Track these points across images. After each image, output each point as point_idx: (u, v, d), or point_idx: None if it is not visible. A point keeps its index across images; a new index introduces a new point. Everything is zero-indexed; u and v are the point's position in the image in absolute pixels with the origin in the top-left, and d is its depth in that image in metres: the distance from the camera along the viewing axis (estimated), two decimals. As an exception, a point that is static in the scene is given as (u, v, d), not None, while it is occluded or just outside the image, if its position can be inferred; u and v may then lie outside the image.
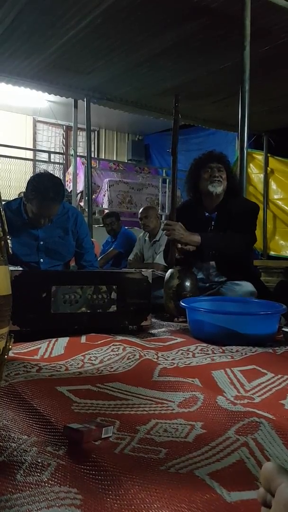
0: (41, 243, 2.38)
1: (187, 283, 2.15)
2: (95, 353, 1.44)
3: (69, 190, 7.05)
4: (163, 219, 6.44)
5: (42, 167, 7.70)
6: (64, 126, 9.07)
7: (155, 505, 0.61)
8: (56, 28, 3.73)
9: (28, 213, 2.32)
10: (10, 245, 0.82)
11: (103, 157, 9.44)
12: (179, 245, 2.25)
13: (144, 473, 0.70)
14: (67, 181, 7.38)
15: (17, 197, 3.09)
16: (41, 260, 2.39)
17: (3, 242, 0.82)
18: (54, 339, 1.59)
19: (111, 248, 4.94)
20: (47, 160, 8.08)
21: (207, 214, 2.47)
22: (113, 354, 1.43)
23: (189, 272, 2.24)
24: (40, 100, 7.38)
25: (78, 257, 2.51)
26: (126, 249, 4.72)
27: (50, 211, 2.26)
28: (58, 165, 7.93)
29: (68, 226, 2.43)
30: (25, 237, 2.35)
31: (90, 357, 1.40)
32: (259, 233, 6.73)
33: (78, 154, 6.68)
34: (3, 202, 0.96)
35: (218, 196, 2.39)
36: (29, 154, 8.16)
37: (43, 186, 2.18)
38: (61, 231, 2.42)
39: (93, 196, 6.60)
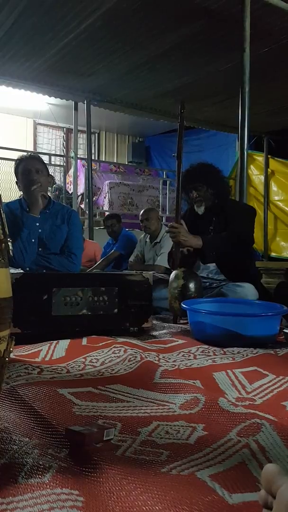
0: (40, 230, 2.44)
1: (192, 284, 2.17)
2: (96, 355, 1.44)
3: (70, 192, 7.05)
4: (163, 221, 6.44)
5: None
6: (64, 129, 9.07)
7: (157, 507, 0.60)
8: (56, 31, 3.75)
9: (25, 198, 2.49)
10: (10, 247, 0.82)
11: (103, 159, 9.44)
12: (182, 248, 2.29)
13: (145, 475, 0.69)
14: (68, 183, 7.37)
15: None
16: (39, 249, 2.43)
17: (3, 244, 0.82)
18: (55, 342, 1.59)
19: (112, 250, 4.93)
20: (48, 162, 8.06)
21: (205, 219, 2.55)
22: (114, 356, 1.43)
23: (193, 273, 2.27)
24: (41, 102, 7.38)
25: (64, 244, 2.55)
26: (127, 251, 4.72)
27: (34, 164, 2.49)
28: (58, 168, 7.92)
29: (64, 214, 2.57)
30: (25, 226, 2.43)
31: (91, 359, 1.40)
32: (260, 235, 6.74)
33: (78, 156, 6.68)
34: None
35: (205, 210, 2.49)
36: (30, 157, 8.15)
37: (22, 156, 2.58)
38: (56, 219, 2.53)
39: (94, 198, 6.60)
